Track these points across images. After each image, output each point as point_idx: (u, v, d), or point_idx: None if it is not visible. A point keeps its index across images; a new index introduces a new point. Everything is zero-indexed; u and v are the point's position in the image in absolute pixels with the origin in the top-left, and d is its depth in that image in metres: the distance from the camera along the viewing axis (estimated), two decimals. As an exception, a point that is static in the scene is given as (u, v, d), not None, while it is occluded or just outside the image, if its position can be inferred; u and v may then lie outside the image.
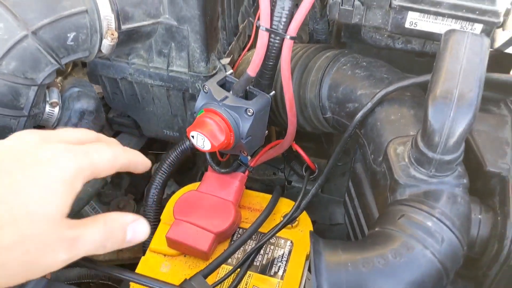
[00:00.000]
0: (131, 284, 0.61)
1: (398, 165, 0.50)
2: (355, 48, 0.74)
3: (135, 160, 0.43)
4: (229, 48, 0.73)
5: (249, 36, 0.80)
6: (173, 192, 0.87)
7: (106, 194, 0.95)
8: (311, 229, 0.69)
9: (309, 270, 0.67)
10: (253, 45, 0.80)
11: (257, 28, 0.56)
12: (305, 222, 0.69)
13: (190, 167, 1.02)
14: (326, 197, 0.87)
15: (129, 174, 0.65)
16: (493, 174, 0.52)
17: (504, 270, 0.50)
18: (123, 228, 0.38)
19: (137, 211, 0.85)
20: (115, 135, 0.91)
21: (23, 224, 0.32)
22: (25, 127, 0.60)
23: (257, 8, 0.81)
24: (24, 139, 0.36)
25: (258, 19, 0.56)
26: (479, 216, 0.52)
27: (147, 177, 0.84)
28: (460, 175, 0.49)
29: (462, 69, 0.47)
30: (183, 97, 0.75)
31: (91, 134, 0.42)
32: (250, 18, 0.81)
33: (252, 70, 0.59)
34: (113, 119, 0.86)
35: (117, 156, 0.40)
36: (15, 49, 0.54)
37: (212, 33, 0.67)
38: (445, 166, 0.47)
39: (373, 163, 0.56)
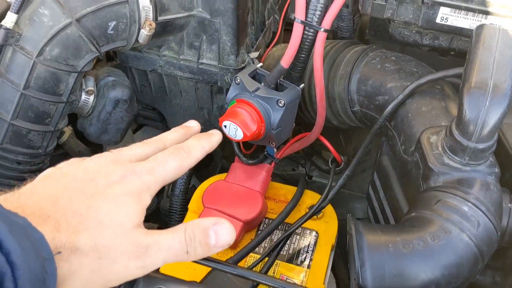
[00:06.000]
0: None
1: (432, 153, 0.51)
2: (379, 45, 0.75)
3: (204, 151, 0.43)
4: (257, 43, 0.75)
5: (274, 33, 0.82)
6: (194, 186, 0.88)
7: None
8: (336, 220, 0.70)
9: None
10: (278, 42, 0.82)
11: (284, 23, 0.57)
12: (330, 214, 0.71)
13: (207, 163, 1.03)
14: (347, 193, 0.89)
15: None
16: (522, 165, 0.53)
17: (533, 258, 0.52)
18: (205, 232, 0.37)
19: (158, 202, 0.86)
20: (138, 128, 0.92)
21: (95, 233, 0.34)
22: (62, 113, 0.61)
23: (282, 5, 0.83)
24: (98, 161, 0.39)
25: (285, 14, 0.57)
26: (510, 205, 0.53)
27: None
28: (492, 164, 0.50)
29: (496, 61, 0.48)
30: (211, 90, 0.76)
31: (157, 143, 0.42)
32: (276, 15, 0.82)
33: (286, 62, 0.60)
34: (139, 112, 0.87)
35: (183, 162, 0.41)
36: (59, 36, 0.56)
37: (243, 27, 0.69)
38: (479, 155, 0.49)
39: (404, 154, 0.57)
